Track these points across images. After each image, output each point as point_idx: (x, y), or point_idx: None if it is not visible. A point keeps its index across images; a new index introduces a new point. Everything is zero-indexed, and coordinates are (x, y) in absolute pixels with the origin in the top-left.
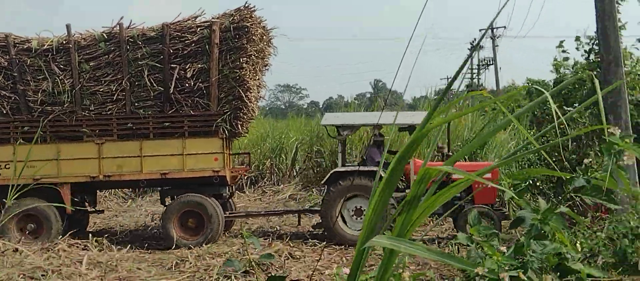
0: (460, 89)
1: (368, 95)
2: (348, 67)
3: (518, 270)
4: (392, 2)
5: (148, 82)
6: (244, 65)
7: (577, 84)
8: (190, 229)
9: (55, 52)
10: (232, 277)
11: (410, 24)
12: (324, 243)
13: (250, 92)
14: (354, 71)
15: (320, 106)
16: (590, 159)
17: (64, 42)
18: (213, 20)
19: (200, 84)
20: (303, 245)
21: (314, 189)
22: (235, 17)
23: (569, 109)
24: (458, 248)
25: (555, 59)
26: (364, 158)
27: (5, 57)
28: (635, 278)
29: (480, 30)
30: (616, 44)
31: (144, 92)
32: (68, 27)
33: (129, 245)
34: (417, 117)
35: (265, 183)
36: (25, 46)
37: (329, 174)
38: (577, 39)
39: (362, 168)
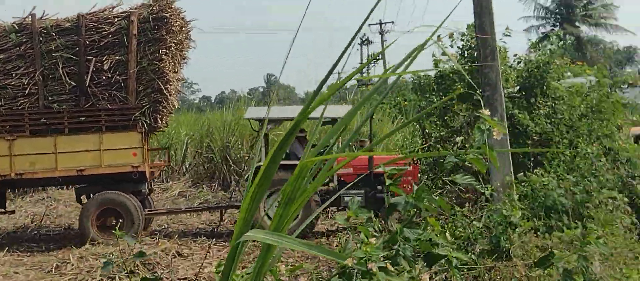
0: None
1: (261, 89)
2: (243, 60)
3: (386, 262)
4: None
5: (63, 76)
6: (164, 57)
7: (456, 78)
8: (108, 228)
9: None
10: (116, 278)
11: (307, 18)
12: (212, 240)
13: (170, 85)
14: (247, 64)
15: (213, 101)
16: (463, 137)
17: None
18: (131, 10)
19: (118, 77)
20: (191, 242)
21: (204, 186)
22: (154, 8)
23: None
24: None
25: (433, 55)
26: (287, 152)
27: None
28: (508, 264)
29: (369, 25)
30: (492, 39)
31: (58, 86)
32: None
33: (7, 248)
34: (342, 111)
35: (153, 180)
36: None
37: (252, 169)
38: (451, 36)
39: (283, 162)
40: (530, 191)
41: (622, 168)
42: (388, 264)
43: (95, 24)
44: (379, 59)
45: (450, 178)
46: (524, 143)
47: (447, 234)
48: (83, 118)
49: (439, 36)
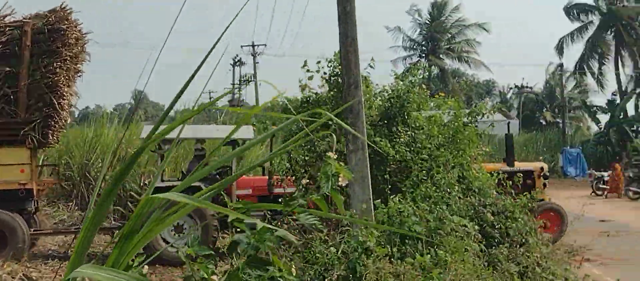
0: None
1: (128, 106)
2: (112, 75)
3: None
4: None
5: None
6: (58, 70)
7: (322, 103)
8: None
9: None
10: None
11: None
12: (64, 263)
13: (64, 100)
14: (116, 79)
15: (76, 116)
16: (308, 181)
17: None
18: (25, 20)
19: (7, 89)
20: (42, 264)
21: (60, 205)
22: (50, 19)
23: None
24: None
25: (300, 80)
26: (184, 172)
27: None
28: None
29: (242, 46)
30: (356, 68)
31: None
32: None
33: None
34: (243, 132)
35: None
36: None
37: (149, 189)
38: (318, 62)
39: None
40: (387, 218)
41: (474, 196)
42: None
43: None
44: (250, 80)
45: (294, 218)
46: (385, 169)
47: (293, 269)
48: None
49: (305, 61)
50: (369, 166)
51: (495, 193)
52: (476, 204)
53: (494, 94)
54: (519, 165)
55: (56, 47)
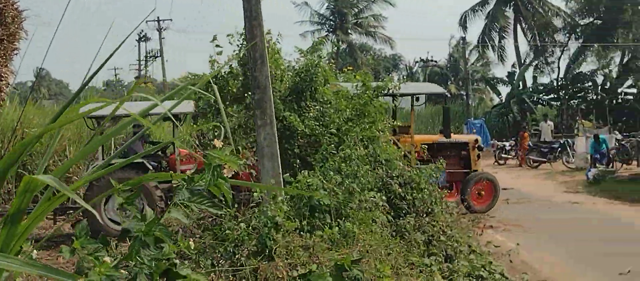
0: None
1: (29, 84)
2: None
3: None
4: None
5: None
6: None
7: (231, 79)
8: None
9: None
10: None
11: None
12: None
13: (1, 80)
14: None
15: None
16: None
17: None
18: None
19: None
20: None
21: None
22: None
23: (227, 103)
24: None
25: (211, 56)
26: (125, 150)
27: None
28: (272, 265)
29: (147, 22)
30: (262, 43)
31: None
32: None
33: None
34: (184, 107)
35: None
36: None
37: (90, 169)
38: (229, 35)
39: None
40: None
41: (382, 169)
42: None
43: None
44: (157, 56)
45: (188, 201)
46: (294, 144)
47: (191, 242)
48: None
49: (214, 36)
50: (278, 141)
51: (401, 164)
52: (384, 176)
53: (401, 68)
54: (455, 137)
55: None
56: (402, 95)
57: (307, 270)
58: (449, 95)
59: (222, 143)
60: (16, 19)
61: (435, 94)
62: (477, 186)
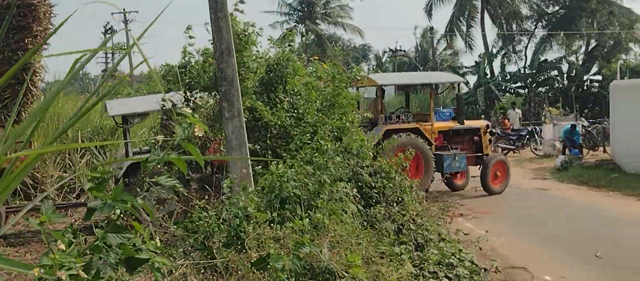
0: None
1: None
2: None
3: (79, 268)
4: None
5: None
6: (29, 46)
7: (202, 70)
8: None
9: None
10: None
11: None
12: None
13: (36, 76)
14: None
15: None
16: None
17: None
18: None
19: None
20: None
21: None
22: None
23: (198, 94)
24: None
25: (184, 47)
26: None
27: None
28: (243, 256)
29: (112, 14)
30: (228, 35)
31: None
32: None
33: None
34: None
35: None
36: None
37: (125, 167)
38: (188, 28)
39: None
40: (268, 184)
41: (352, 159)
42: (80, 271)
43: None
44: (123, 48)
45: (153, 180)
46: (265, 136)
47: (157, 241)
48: None
49: (188, 26)
50: (249, 133)
51: (371, 154)
52: (354, 166)
53: (370, 58)
54: (467, 123)
55: (27, 23)
56: (424, 85)
57: (259, 254)
58: (467, 83)
59: (191, 111)
60: (47, 15)
61: (453, 82)
62: (495, 168)
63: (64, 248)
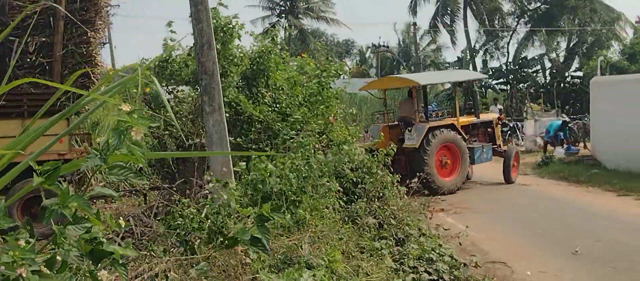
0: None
1: None
2: None
3: (41, 264)
4: None
5: None
6: (92, 40)
7: (183, 64)
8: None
9: None
10: None
11: None
12: None
13: (97, 68)
14: None
15: None
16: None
17: None
18: None
19: (42, 59)
20: None
21: None
22: None
23: (181, 88)
24: None
25: (165, 40)
26: None
27: None
28: (224, 252)
29: None
30: (209, 28)
31: None
32: None
33: None
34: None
35: None
36: None
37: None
38: (169, 24)
39: None
40: (250, 180)
41: (335, 154)
42: (42, 267)
43: (20, 3)
44: (105, 43)
45: (109, 173)
46: (248, 130)
47: (121, 221)
48: (4, 102)
49: (170, 21)
50: (232, 128)
51: (352, 149)
52: (337, 161)
53: (354, 53)
54: (482, 116)
55: (90, 17)
56: (449, 82)
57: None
58: (487, 78)
59: (129, 107)
60: (106, 10)
61: (477, 79)
62: (514, 159)
63: (25, 246)
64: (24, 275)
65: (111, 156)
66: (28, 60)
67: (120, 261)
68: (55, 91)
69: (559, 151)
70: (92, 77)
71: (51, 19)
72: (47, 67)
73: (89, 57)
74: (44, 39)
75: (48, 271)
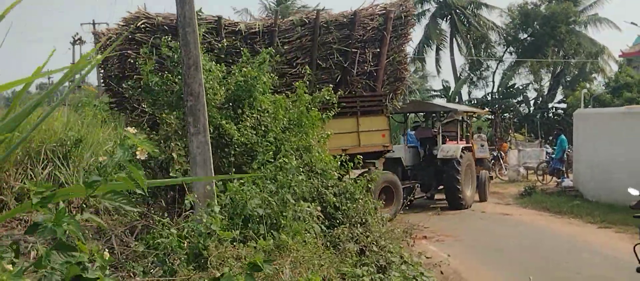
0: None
1: None
2: None
3: None
4: None
5: (332, 65)
6: (406, 50)
7: (164, 86)
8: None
9: (261, 35)
10: None
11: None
12: None
13: (406, 73)
14: None
15: None
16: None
17: (268, 26)
18: (389, 8)
19: (372, 68)
20: None
21: None
22: (403, 7)
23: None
24: None
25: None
26: None
27: (216, 38)
28: (203, 275)
29: (81, 24)
30: (196, 49)
31: (325, 74)
32: (276, 12)
33: None
34: None
35: None
36: (234, 29)
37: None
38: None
39: None
40: (230, 201)
41: (317, 179)
42: None
43: (364, 19)
44: (90, 59)
45: (103, 198)
46: (230, 152)
47: (106, 253)
48: (344, 104)
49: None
50: (211, 149)
51: (336, 174)
52: (319, 186)
53: None
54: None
55: (407, 31)
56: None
57: (220, 273)
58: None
59: (135, 130)
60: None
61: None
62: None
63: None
64: None
65: (104, 186)
66: (365, 68)
67: None
68: (379, 93)
69: (568, 182)
70: (404, 80)
71: (382, 33)
72: (374, 74)
73: (403, 64)
74: (376, 51)
75: None
